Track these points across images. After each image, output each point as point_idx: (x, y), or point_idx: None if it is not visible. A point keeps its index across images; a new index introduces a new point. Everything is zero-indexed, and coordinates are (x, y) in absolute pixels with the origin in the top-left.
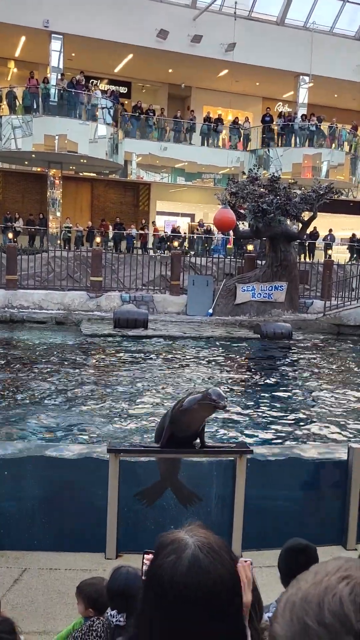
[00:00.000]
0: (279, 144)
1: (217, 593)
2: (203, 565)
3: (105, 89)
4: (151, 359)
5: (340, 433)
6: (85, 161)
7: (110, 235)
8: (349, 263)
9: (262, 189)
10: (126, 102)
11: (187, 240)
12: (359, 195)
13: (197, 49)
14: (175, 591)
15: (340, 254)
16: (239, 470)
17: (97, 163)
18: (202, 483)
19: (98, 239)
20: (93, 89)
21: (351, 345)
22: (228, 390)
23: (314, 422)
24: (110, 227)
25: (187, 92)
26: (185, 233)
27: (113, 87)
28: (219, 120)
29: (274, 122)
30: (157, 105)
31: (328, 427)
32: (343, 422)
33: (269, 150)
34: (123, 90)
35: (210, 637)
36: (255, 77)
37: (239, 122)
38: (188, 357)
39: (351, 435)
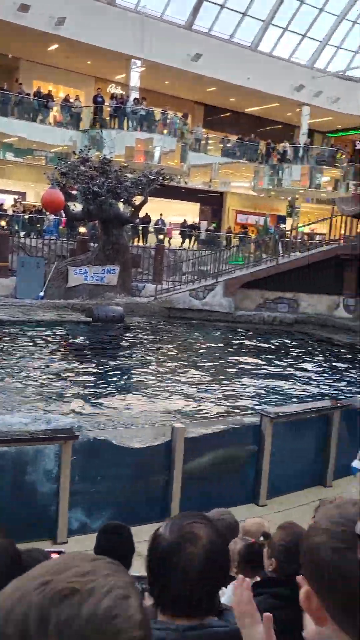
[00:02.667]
0: (112, 126)
1: None
2: None
3: None
4: None
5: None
6: None
7: None
8: (180, 248)
9: (93, 171)
10: None
11: (13, 219)
12: (190, 182)
13: (25, 19)
14: None
15: (173, 240)
16: (64, 455)
17: None
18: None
19: None
20: None
21: (180, 328)
22: (59, 377)
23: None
24: None
25: (15, 64)
26: (15, 211)
27: None
28: (49, 96)
29: (106, 104)
30: None
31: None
32: (170, 402)
33: (101, 131)
34: None
35: None
36: (87, 55)
37: (71, 100)
38: (18, 343)
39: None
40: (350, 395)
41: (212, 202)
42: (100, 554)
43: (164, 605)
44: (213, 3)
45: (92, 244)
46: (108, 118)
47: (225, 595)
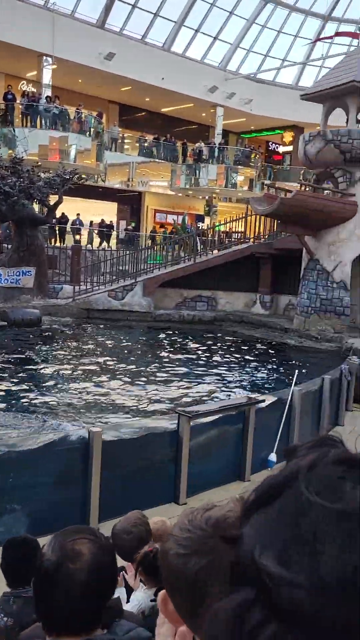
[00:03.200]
0: (24, 124)
1: None
2: None
3: None
4: None
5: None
6: None
7: None
8: (98, 248)
9: (4, 171)
10: None
11: None
12: (108, 181)
13: None
14: None
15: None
16: None
17: None
18: None
19: None
20: None
21: (99, 329)
22: None
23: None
24: None
25: None
26: None
27: None
28: None
29: (18, 102)
30: None
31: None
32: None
33: (13, 129)
34: None
35: None
36: None
37: None
38: None
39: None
40: (269, 389)
41: (130, 202)
42: (5, 570)
43: (50, 626)
44: (125, 3)
45: (5, 245)
46: (20, 116)
47: (131, 603)
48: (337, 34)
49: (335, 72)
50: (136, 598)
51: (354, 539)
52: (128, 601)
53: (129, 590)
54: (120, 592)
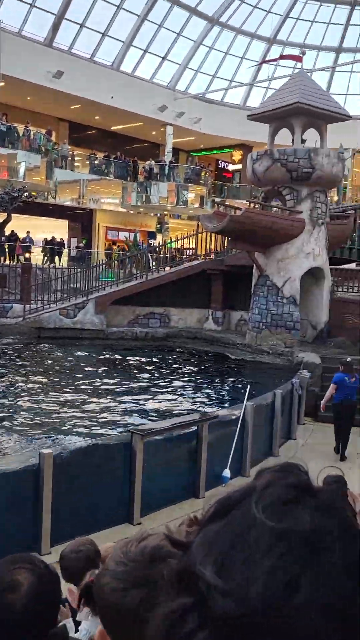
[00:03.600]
0: None
1: None
2: None
3: None
4: None
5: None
6: None
7: None
8: (49, 266)
9: None
10: None
11: None
12: (58, 199)
13: None
14: None
15: (41, 257)
16: None
17: None
18: None
19: None
20: None
21: (50, 348)
22: None
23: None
24: None
25: None
26: None
27: None
28: None
29: None
30: None
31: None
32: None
33: None
34: None
35: None
36: None
37: None
38: None
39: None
40: (222, 405)
41: (81, 219)
42: None
43: None
44: (73, 22)
45: None
46: None
47: (80, 633)
48: (282, 56)
49: (280, 94)
50: (84, 627)
51: (287, 558)
52: (77, 630)
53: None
54: (68, 621)
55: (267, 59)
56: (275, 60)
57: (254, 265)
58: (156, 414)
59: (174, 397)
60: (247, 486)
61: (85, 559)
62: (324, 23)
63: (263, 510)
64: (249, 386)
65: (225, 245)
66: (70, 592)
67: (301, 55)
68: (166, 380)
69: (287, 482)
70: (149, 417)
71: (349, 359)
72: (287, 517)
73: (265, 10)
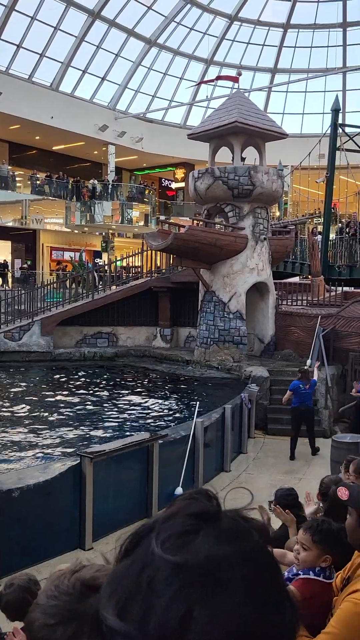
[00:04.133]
0: None
1: None
2: None
3: None
4: None
5: None
6: None
7: None
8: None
9: None
10: None
11: None
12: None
13: None
14: None
15: None
16: None
17: None
18: None
19: None
20: None
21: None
22: None
23: None
24: None
25: None
26: None
27: None
28: None
29: None
30: None
31: None
32: None
33: None
34: None
35: None
36: None
37: None
38: None
39: None
40: (173, 423)
41: (25, 240)
42: None
43: None
44: (9, 43)
45: None
46: None
47: None
48: (219, 77)
49: (219, 113)
50: None
51: (183, 592)
52: None
53: None
54: None
55: (205, 79)
56: (212, 80)
57: (200, 281)
58: (106, 435)
59: (124, 416)
60: (150, 520)
61: (19, 589)
62: (259, 45)
63: (162, 544)
64: (197, 403)
65: (171, 262)
66: (15, 631)
67: (237, 76)
68: (115, 400)
69: (189, 512)
70: (99, 439)
71: (306, 368)
72: (184, 549)
73: (201, 32)
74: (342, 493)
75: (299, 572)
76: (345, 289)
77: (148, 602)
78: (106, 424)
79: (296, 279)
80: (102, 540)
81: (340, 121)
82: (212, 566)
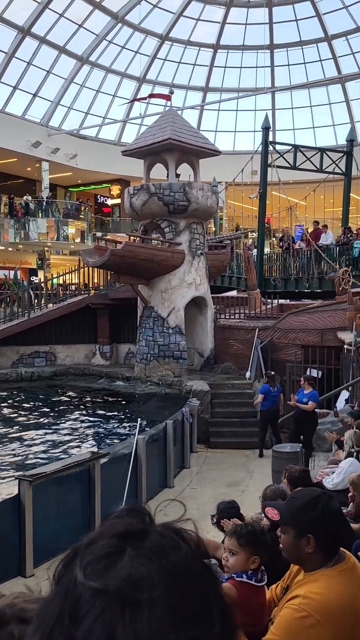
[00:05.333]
0: None
1: None
2: None
3: None
4: None
5: None
6: None
7: None
8: None
9: None
10: None
11: None
12: None
13: None
14: None
15: None
16: None
17: None
18: None
19: None
20: None
21: None
22: None
23: None
24: None
25: None
26: None
27: None
28: None
29: None
30: None
31: None
32: None
33: None
34: None
35: None
36: None
37: None
38: None
39: None
40: (115, 440)
41: None
42: None
43: None
44: None
45: None
46: None
47: None
48: (151, 95)
49: (153, 130)
50: None
51: (104, 616)
52: None
53: None
54: None
55: (138, 97)
56: (145, 98)
57: (138, 297)
58: (46, 456)
59: (64, 437)
60: (77, 543)
61: None
62: (190, 64)
63: (84, 570)
64: (139, 419)
65: (109, 278)
66: None
67: (170, 94)
68: (55, 419)
69: (113, 533)
70: (38, 460)
71: (272, 373)
72: (105, 573)
73: (133, 51)
74: (272, 514)
75: (233, 575)
76: (281, 301)
77: (70, 632)
78: (46, 445)
79: (233, 293)
80: (44, 566)
81: (270, 139)
82: (132, 587)
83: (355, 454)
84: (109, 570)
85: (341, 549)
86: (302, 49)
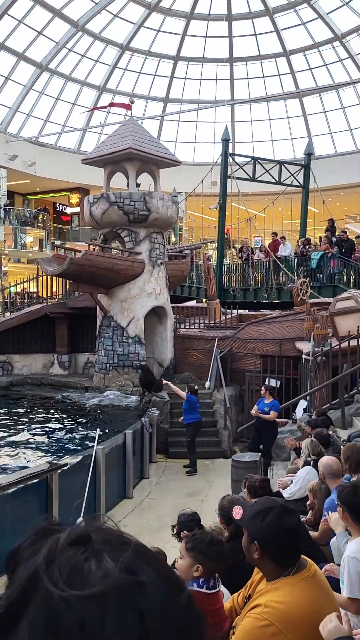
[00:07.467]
0: None
1: None
2: None
3: None
4: None
5: None
6: None
7: None
8: None
9: None
10: None
11: None
12: None
13: None
14: None
15: None
16: None
17: None
18: None
19: None
20: None
21: None
22: None
23: None
24: None
25: None
26: None
27: None
28: None
29: None
30: None
31: None
32: None
33: None
34: None
35: None
36: None
37: None
38: None
39: None
40: (73, 451)
41: None
42: None
43: None
44: None
45: None
46: None
47: None
48: (111, 104)
49: (113, 139)
50: None
51: (133, 608)
52: None
53: None
54: None
55: (98, 105)
56: (105, 107)
57: (98, 306)
58: (0, 469)
59: (20, 448)
60: (25, 574)
61: None
62: (151, 75)
63: (65, 584)
64: (97, 429)
65: (68, 287)
66: None
67: (130, 104)
68: (11, 431)
69: (66, 543)
70: None
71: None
72: (90, 578)
73: (93, 60)
74: (236, 512)
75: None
76: (240, 311)
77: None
78: (1, 457)
79: (193, 303)
80: None
81: (230, 151)
82: (129, 574)
83: (311, 462)
84: (93, 576)
85: (302, 557)
86: (261, 62)
